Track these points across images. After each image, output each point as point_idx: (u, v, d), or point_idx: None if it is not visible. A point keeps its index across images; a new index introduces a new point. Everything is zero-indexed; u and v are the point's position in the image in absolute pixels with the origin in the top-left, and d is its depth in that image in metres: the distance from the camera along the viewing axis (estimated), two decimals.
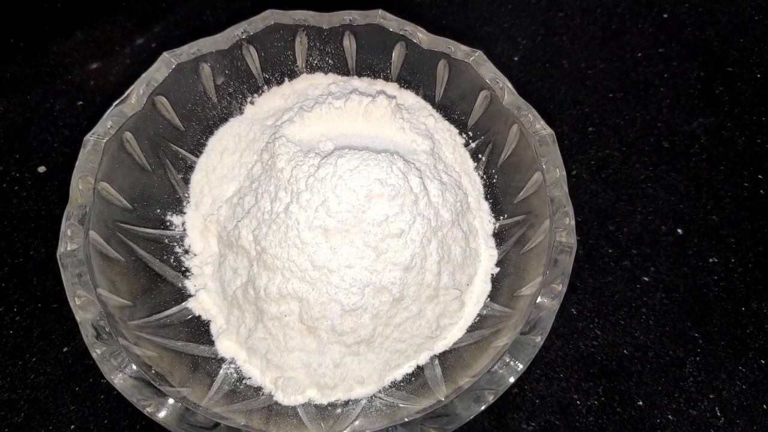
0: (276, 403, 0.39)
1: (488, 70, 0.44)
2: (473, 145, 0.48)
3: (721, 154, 0.57)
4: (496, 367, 0.34)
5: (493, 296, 0.43)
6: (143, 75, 0.43)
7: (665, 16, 0.66)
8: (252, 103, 0.50)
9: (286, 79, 0.50)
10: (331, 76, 0.50)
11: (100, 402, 0.44)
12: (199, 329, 0.42)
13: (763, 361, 0.46)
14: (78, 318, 0.34)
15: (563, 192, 0.39)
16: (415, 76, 0.49)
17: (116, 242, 0.40)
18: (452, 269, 0.42)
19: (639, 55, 0.63)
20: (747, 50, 0.63)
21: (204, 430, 0.33)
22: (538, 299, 0.36)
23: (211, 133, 0.48)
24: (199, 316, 0.43)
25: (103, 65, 0.61)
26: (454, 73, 0.47)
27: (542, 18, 0.66)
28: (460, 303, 0.42)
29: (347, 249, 0.38)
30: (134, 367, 0.33)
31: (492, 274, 0.44)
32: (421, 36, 0.46)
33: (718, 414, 0.44)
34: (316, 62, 0.50)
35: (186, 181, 0.47)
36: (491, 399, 0.33)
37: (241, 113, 0.50)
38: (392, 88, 0.50)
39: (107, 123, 0.40)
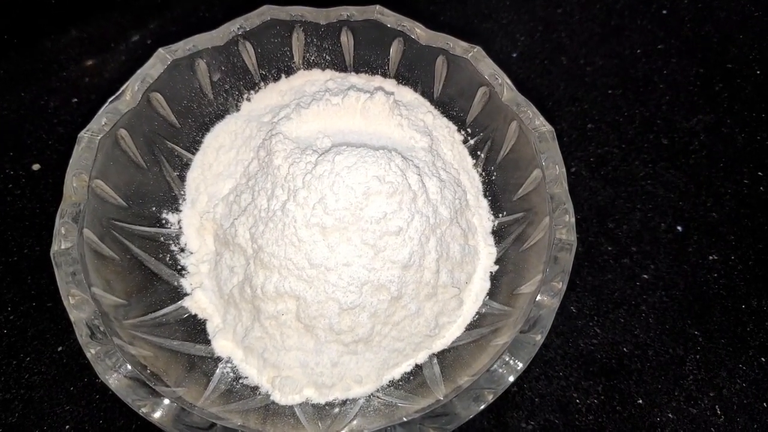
0: (273, 402, 0.39)
1: (487, 66, 0.44)
2: (472, 141, 0.48)
3: (720, 151, 0.56)
4: (495, 366, 0.34)
5: (492, 294, 0.43)
6: (138, 71, 0.43)
7: (664, 12, 0.66)
8: (248, 99, 0.49)
9: (283, 76, 0.50)
10: (329, 73, 0.50)
11: (95, 402, 0.43)
12: (195, 328, 0.42)
13: (763, 359, 0.46)
14: (72, 317, 0.34)
15: (563, 189, 0.39)
16: (414, 73, 0.49)
17: (111, 240, 0.39)
18: (451, 267, 0.41)
19: (638, 51, 0.63)
20: (746, 47, 0.63)
21: (200, 431, 0.32)
22: (538, 297, 0.36)
23: (207, 130, 0.48)
24: (195, 315, 0.42)
25: (98, 62, 0.61)
26: (453, 69, 0.46)
27: (541, 14, 0.65)
28: (458, 301, 0.42)
29: (345, 247, 0.38)
30: (129, 366, 0.33)
31: (491, 272, 0.44)
32: (419, 32, 0.46)
33: (719, 412, 0.44)
34: (313, 58, 0.50)
35: (182, 178, 0.46)
36: (491, 398, 0.33)
37: (238, 110, 0.49)
38: (390, 84, 0.50)
39: (102, 120, 0.40)
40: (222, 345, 0.41)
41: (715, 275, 0.50)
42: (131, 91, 0.42)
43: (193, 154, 0.47)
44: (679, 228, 0.52)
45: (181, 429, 0.32)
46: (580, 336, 0.47)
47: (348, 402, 0.39)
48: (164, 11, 0.64)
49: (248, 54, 0.47)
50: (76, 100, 0.58)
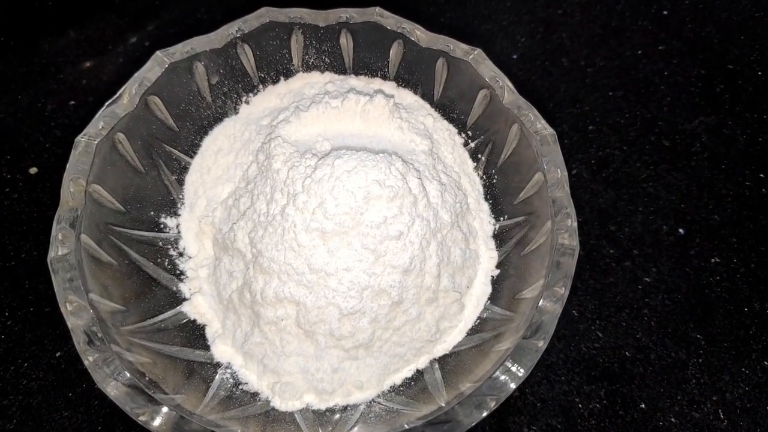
0: (273, 409, 0.38)
1: (488, 69, 0.44)
2: (472, 144, 0.48)
3: (722, 153, 0.56)
4: (497, 372, 0.33)
5: (493, 299, 0.42)
6: (136, 74, 0.42)
7: (665, 13, 0.66)
8: (247, 102, 0.49)
9: (282, 78, 0.49)
10: (328, 75, 0.50)
11: (93, 408, 0.43)
12: (195, 334, 0.41)
13: (766, 363, 0.46)
14: (70, 324, 0.33)
15: (565, 193, 0.38)
16: (414, 75, 0.48)
17: (108, 245, 0.39)
18: (452, 271, 0.41)
19: (639, 52, 0.62)
20: (748, 47, 0.63)
21: None
22: (540, 303, 0.35)
23: (206, 133, 0.48)
24: (195, 321, 0.42)
25: (96, 64, 0.60)
26: (453, 72, 0.46)
27: (541, 15, 0.65)
28: (459, 306, 0.41)
29: (345, 252, 0.37)
30: (127, 374, 0.33)
31: (492, 276, 0.43)
32: (419, 34, 0.45)
33: (721, 416, 0.44)
34: (312, 61, 0.49)
35: (180, 182, 0.46)
36: (493, 405, 0.33)
37: (236, 113, 0.49)
38: (390, 86, 0.49)
39: (99, 124, 0.40)
40: (221, 350, 0.41)
41: (718, 278, 0.50)
42: (129, 95, 0.41)
43: (192, 157, 0.47)
44: (681, 230, 0.52)
45: None
46: (582, 340, 0.47)
47: (349, 408, 0.39)
48: (162, 13, 0.64)
49: (247, 56, 0.47)
50: (73, 102, 0.57)
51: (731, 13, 0.66)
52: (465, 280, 0.42)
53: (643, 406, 0.44)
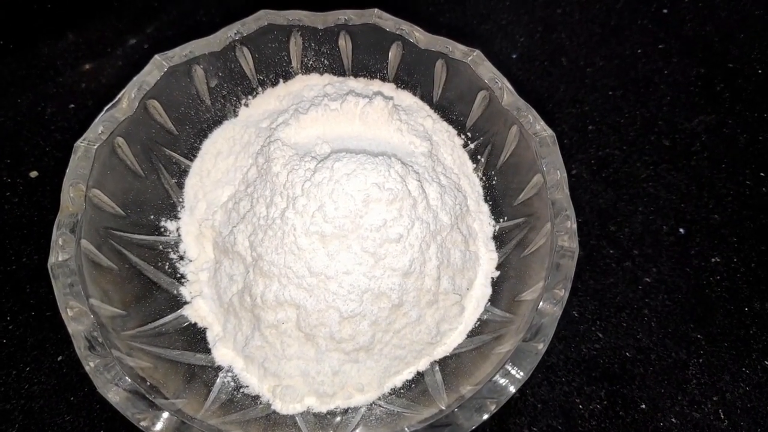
0: (274, 412, 0.39)
1: (487, 70, 0.44)
2: (472, 146, 0.48)
3: (722, 152, 0.56)
4: (497, 376, 0.33)
5: (493, 300, 0.42)
6: (135, 78, 0.42)
7: (665, 11, 0.65)
8: (246, 105, 0.49)
9: (281, 81, 0.49)
10: (327, 77, 0.50)
11: (95, 412, 0.43)
12: (195, 337, 0.41)
13: (766, 362, 0.46)
14: (70, 330, 0.34)
15: (564, 194, 0.38)
16: (413, 77, 0.48)
17: (108, 249, 0.39)
18: (452, 273, 0.41)
19: (639, 51, 0.62)
20: (748, 46, 0.63)
21: None
22: (540, 305, 0.35)
23: (205, 136, 0.48)
24: (195, 324, 0.42)
25: (95, 67, 0.60)
26: (452, 73, 0.46)
27: (540, 15, 0.65)
28: (460, 308, 0.42)
29: (345, 255, 0.38)
30: (128, 379, 0.33)
31: (492, 278, 0.43)
32: (418, 35, 0.45)
33: (722, 416, 0.44)
34: (311, 63, 0.49)
35: (180, 185, 0.46)
36: (493, 408, 0.33)
37: (236, 116, 0.49)
38: (389, 88, 0.49)
39: (98, 128, 0.40)
40: (222, 354, 0.41)
41: (718, 278, 0.50)
42: (128, 99, 0.41)
43: (191, 160, 0.47)
44: (681, 230, 0.52)
45: None
46: (583, 341, 0.47)
47: (350, 410, 0.39)
48: (161, 15, 0.64)
49: (245, 59, 0.47)
50: (73, 105, 0.57)
51: (731, 11, 0.65)
52: (465, 282, 0.42)
53: (643, 406, 0.44)
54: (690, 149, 0.56)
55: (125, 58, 0.61)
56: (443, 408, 0.35)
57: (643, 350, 0.46)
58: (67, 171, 0.38)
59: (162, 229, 0.44)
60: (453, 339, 0.42)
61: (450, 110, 0.48)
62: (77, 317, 0.34)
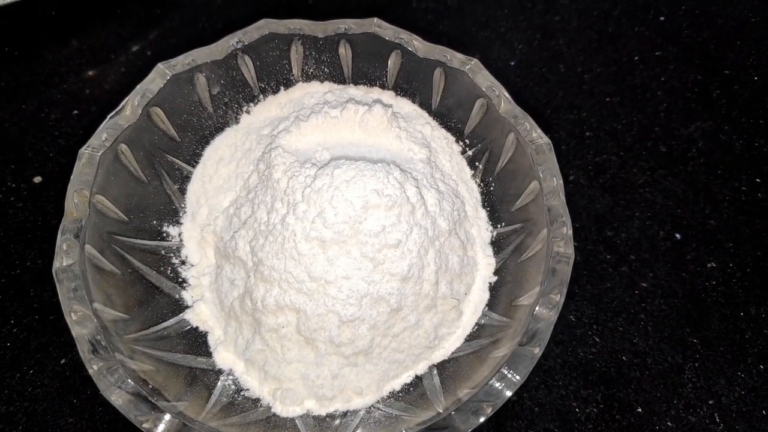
0: (274, 414, 0.39)
1: (484, 79, 0.44)
2: (470, 152, 0.48)
3: (718, 158, 0.57)
4: (494, 379, 0.34)
5: (491, 305, 0.43)
6: (138, 86, 0.43)
7: (662, 19, 0.66)
8: (248, 112, 0.50)
9: (282, 88, 0.50)
10: (327, 85, 0.50)
11: (98, 414, 0.43)
12: (197, 341, 0.42)
13: (762, 367, 0.46)
14: (74, 334, 0.34)
15: (560, 201, 0.39)
16: (412, 84, 0.49)
17: (111, 254, 0.40)
18: (450, 278, 0.41)
19: (636, 58, 0.63)
20: (744, 53, 0.63)
21: None
22: (536, 309, 0.36)
23: (207, 143, 0.48)
24: (197, 328, 0.42)
25: (98, 73, 0.61)
26: (451, 81, 0.47)
27: (539, 22, 0.66)
28: (458, 312, 0.42)
29: (344, 260, 0.38)
30: (131, 382, 0.33)
31: (490, 283, 0.44)
32: (417, 44, 0.46)
33: (718, 420, 0.44)
34: (311, 71, 0.50)
35: (182, 191, 0.47)
36: (490, 411, 0.33)
37: (237, 123, 0.49)
38: (388, 96, 0.50)
39: (102, 135, 0.40)
40: (223, 357, 0.41)
41: (714, 283, 0.50)
42: (131, 106, 0.42)
43: (193, 167, 0.47)
44: (677, 235, 0.52)
45: None
46: (580, 345, 0.47)
47: (349, 413, 0.40)
48: (163, 22, 0.65)
49: (247, 67, 0.48)
50: (76, 112, 0.58)
51: (727, 18, 0.66)
52: (463, 287, 0.43)
53: (639, 410, 0.45)
54: (686, 155, 0.57)
55: (128, 65, 0.61)
56: (441, 411, 0.36)
57: (639, 354, 0.47)
58: (72, 177, 0.38)
59: (164, 234, 0.45)
60: (451, 343, 0.42)
61: (448, 117, 0.49)
62: (81, 321, 0.34)
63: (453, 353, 0.42)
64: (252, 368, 0.40)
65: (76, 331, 0.34)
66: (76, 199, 0.38)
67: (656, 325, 0.48)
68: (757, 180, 0.55)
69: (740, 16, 0.66)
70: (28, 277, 0.49)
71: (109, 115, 0.41)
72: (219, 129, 0.49)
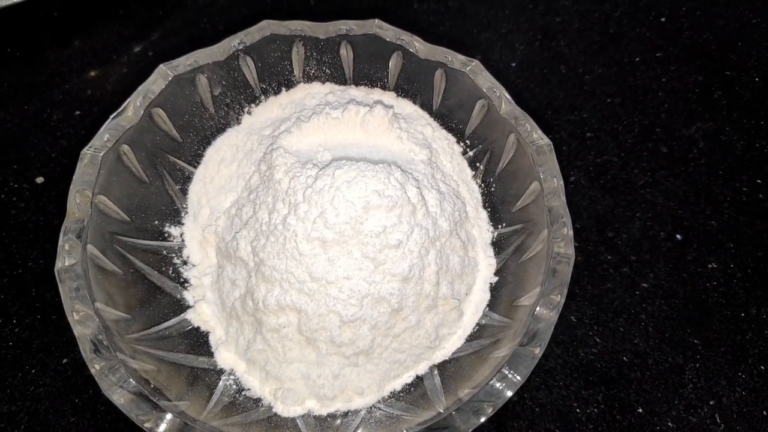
0: (275, 414, 0.39)
1: (485, 80, 0.44)
2: (471, 153, 0.48)
3: (719, 159, 0.57)
4: (494, 379, 0.34)
5: (492, 305, 0.43)
6: (140, 87, 0.43)
7: (663, 20, 0.66)
8: (249, 113, 0.50)
9: (284, 89, 0.50)
10: (329, 86, 0.50)
11: (100, 413, 0.44)
12: (198, 341, 0.42)
13: (762, 367, 0.46)
14: (76, 333, 0.34)
15: (561, 202, 0.39)
16: (413, 85, 0.49)
17: (113, 254, 0.40)
18: (451, 279, 0.41)
19: (637, 59, 0.63)
20: (745, 54, 0.63)
21: None
22: (537, 310, 0.36)
23: (209, 143, 0.48)
24: (198, 328, 0.43)
25: (100, 74, 0.61)
26: (451, 82, 0.47)
27: (540, 23, 0.66)
28: (458, 313, 0.42)
29: (345, 260, 0.38)
30: (133, 381, 0.33)
31: (491, 283, 0.44)
32: (418, 45, 0.46)
33: (718, 421, 0.44)
34: (313, 72, 0.50)
35: (184, 192, 0.47)
36: (490, 411, 0.33)
37: (239, 123, 0.49)
38: (389, 97, 0.50)
39: (104, 136, 0.40)
40: (225, 357, 0.41)
41: (715, 283, 0.50)
42: (133, 107, 0.42)
43: (195, 167, 0.48)
44: (678, 236, 0.52)
45: None
46: (580, 345, 0.47)
47: (350, 413, 0.40)
48: (165, 23, 0.65)
49: (249, 68, 0.48)
50: (78, 112, 0.58)
51: (729, 19, 0.66)
52: (464, 287, 0.43)
53: (640, 410, 0.45)
54: (687, 156, 0.57)
55: (130, 66, 0.62)
56: (441, 411, 0.36)
57: (640, 355, 0.47)
58: (74, 178, 0.39)
59: (166, 235, 0.45)
60: (452, 343, 0.42)
61: (449, 118, 0.49)
62: (83, 321, 0.35)
63: (454, 353, 0.42)
64: (253, 368, 0.40)
65: (78, 330, 0.34)
66: (78, 200, 0.38)
67: (657, 325, 0.48)
68: (758, 181, 0.55)
69: (741, 17, 0.66)
70: (29, 277, 0.49)
71: (111, 116, 0.41)
72: (220, 130, 0.49)
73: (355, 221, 0.38)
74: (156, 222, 0.45)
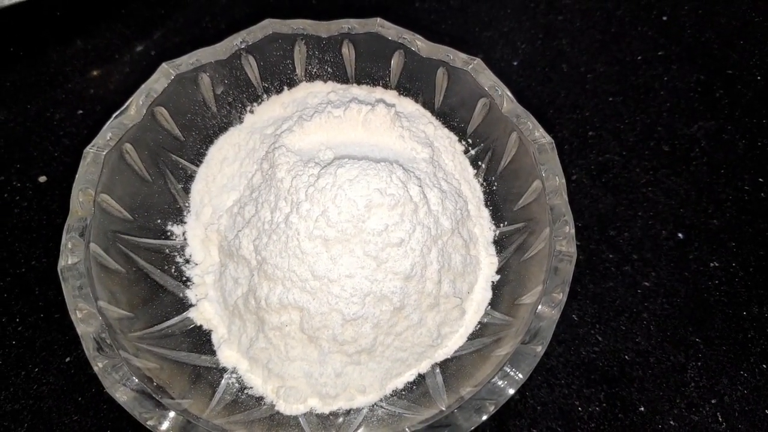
0: (278, 412, 0.39)
1: (487, 78, 0.44)
2: (473, 152, 0.48)
3: (721, 158, 0.57)
4: (496, 377, 0.34)
5: (493, 304, 0.43)
6: (142, 86, 0.43)
7: (665, 18, 0.66)
8: (251, 112, 0.50)
9: (286, 88, 0.50)
10: (331, 85, 0.50)
11: (103, 412, 0.44)
12: (201, 339, 0.42)
13: (764, 366, 0.46)
14: (80, 331, 0.34)
15: (563, 200, 0.39)
16: (415, 84, 0.49)
17: (116, 253, 0.40)
18: (453, 277, 0.42)
19: (639, 58, 0.63)
20: (747, 52, 0.63)
21: None
22: (539, 308, 0.36)
23: (211, 142, 0.48)
24: (201, 326, 0.43)
25: (103, 73, 0.61)
26: (453, 81, 0.47)
27: (542, 22, 0.66)
28: (460, 311, 0.42)
29: (347, 259, 0.38)
30: (135, 380, 0.34)
31: (492, 282, 0.44)
32: (420, 44, 0.46)
33: (720, 419, 0.44)
34: (315, 71, 0.50)
35: (186, 190, 0.47)
36: (492, 409, 0.33)
37: (241, 122, 0.50)
38: (391, 95, 0.50)
39: (107, 135, 0.40)
40: (227, 355, 0.42)
41: (716, 282, 0.50)
42: (136, 106, 0.42)
43: (198, 166, 0.48)
44: (680, 235, 0.52)
45: None
46: (582, 344, 0.47)
47: (352, 412, 0.40)
48: (168, 22, 0.65)
49: (251, 67, 0.48)
50: (81, 111, 0.58)
51: (730, 18, 0.66)
52: (466, 285, 0.43)
53: (642, 409, 0.45)
54: (689, 155, 0.57)
55: (132, 65, 0.62)
56: (443, 409, 0.36)
57: (641, 353, 0.47)
58: (77, 176, 0.39)
59: (168, 233, 0.45)
60: (454, 342, 0.42)
61: (451, 117, 0.49)
62: (86, 319, 0.35)
63: (456, 352, 0.42)
64: (255, 366, 0.41)
65: (81, 328, 0.34)
66: (81, 198, 0.38)
67: (659, 324, 0.48)
68: (760, 179, 0.55)
69: (743, 16, 0.66)
70: (33, 276, 0.49)
71: (114, 115, 0.41)
72: (223, 128, 0.49)
73: (357, 220, 0.38)
74: (158, 220, 0.45)
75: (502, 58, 0.63)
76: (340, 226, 0.38)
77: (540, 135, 0.41)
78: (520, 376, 0.34)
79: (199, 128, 0.48)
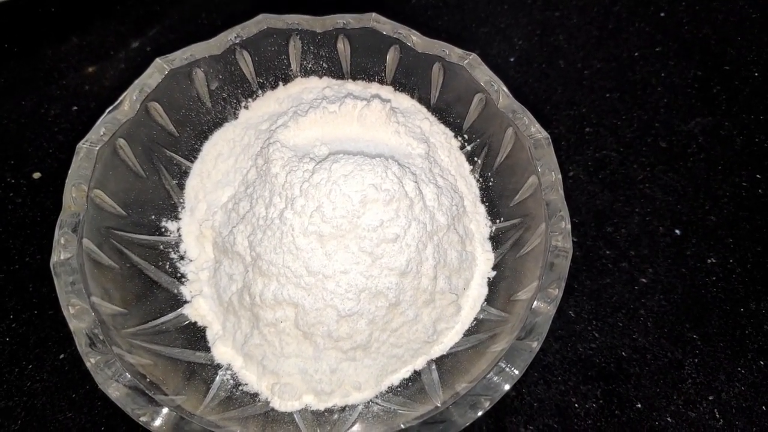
0: (272, 409, 0.39)
1: (483, 73, 0.44)
2: (469, 148, 0.48)
3: (718, 154, 0.56)
4: (491, 373, 0.34)
5: (489, 300, 0.43)
6: (136, 81, 0.43)
7: (662, 14, 0.66)
8: (246, 107, 0.50)
9: (281, 83, 0.50)
10: (326, 80, 0.50)
11: (97, 409, 0.43)
12: (195, 335, 0.42)
13: (762, 362, 0.46)
14: (72, 327, 0.34)
15: (559, 196, 0.39)
16: (410, 79, 0.49)
17: (109, 249, 0.40)
18: (448, 273, 0.41)
19: (636, 54, 0.63)
20: (744, 49, 0.63)
21: None
22: (534, 304, 0.36)
23: (206, 138, 0.48)
24: (195, 323, 0.42)
25: (98, 70, 0.61)
26: (449, 76, 0.46)
27: (538, 17, 0.66)
28: (456, 307, 0.42)
29: (342, 254, 0.38)
30: (128, 376, 0.33)
31: (489, 278, 0.44)
32: (416, 39, 0.46)
33: (717, 416, 0.44)
34: (310, 66, 0.50)
35: (181, 186, 0.47)
36: (487, 405, 0.33)
37: (236, 118, 0.49)
38: (387, 91, 0.50)
39: (100, 130, 0.40)
40: (222, 352, 0.41)
41: (714, 278, 0.50)
42: (129, 101, 0.42)
43: (192, 162, 0.47)
44: (677, 231, 0.52)
45: None
46: (579, 340, 0.47)
47: (347, 408, 0.40)
48: (163, 19, 0.65)
49: (245, 62, 0.48)
50: (75, 108, 0.58)
51: (728, 14, 0.66)
52: (461, 281, 0.43)
53: (639, 405, 0.45)
54: (686, 151, 0.57)
55: (127, 61, 0.62)
56: (439, 405, 0.36)
57: (638, 350, 0.47)
58: (70, 171, 0.38)
59: (163, 229, 0.45)
60: (450, 338, 0.42)
61: (447, 113, 0.49)
62: (78, 315, 0.34)
63: (451, 348, 0.42)
64: (250, 363, 0.40)
65: (73, 324, 0.34)
66: (74, 194, 0.38)
67: (656, 320, 0.48)
68: (758, 176, 0.55)
69: (740, 12, 0.66)
70: (26, 273, 0.49)
71: (107, 110, 0.41)
72: (217, 124, 0.49)
73: (352, 215, 0.38)
74: (152, 216, 0.45)
75: (499, 54, 0.63)
76: (335, 221, 0.38)
77: (536, 130, 0.41)
78: (516, 372, 0.34)
79: (193, 124, 0.47)
